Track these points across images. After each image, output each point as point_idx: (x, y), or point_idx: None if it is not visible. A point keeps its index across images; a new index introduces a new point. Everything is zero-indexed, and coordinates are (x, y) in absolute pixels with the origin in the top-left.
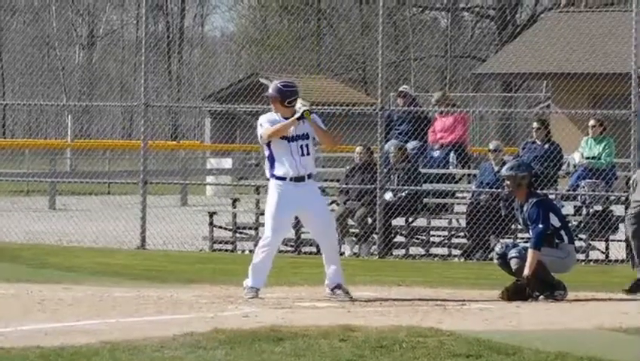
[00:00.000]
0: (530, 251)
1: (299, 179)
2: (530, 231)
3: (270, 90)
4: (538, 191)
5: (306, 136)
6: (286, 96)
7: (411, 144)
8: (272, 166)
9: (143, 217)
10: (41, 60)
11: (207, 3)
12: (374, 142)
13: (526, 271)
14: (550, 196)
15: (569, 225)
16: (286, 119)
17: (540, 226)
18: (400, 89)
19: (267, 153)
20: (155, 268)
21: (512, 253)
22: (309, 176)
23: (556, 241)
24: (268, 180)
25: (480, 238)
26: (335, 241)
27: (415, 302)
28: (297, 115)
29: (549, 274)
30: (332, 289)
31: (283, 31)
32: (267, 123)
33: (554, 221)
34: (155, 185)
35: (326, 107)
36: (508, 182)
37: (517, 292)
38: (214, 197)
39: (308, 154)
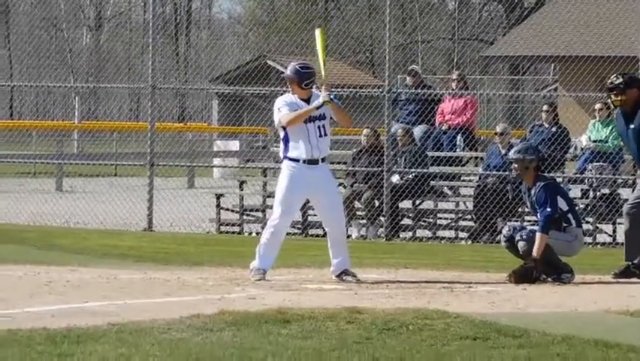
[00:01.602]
0: (538, 234)
1: (312, 162)
2: (538, 214)
3: (288, 72)
4: (546, 174)
5: (323, 117)
6: (304, 78)
7: (418, 129)
8: (286, 147)
9: (150, 199)
10: (49, 42)
11: None
12: (381, 124)
13: (534, 254)
14: (558, 179)
15: (576, 208)
16: (303, 100)
17: (548, 209)
18: (410, 68)
19: (282, 134)
20: (162, 250)
21: (520, 235)
22: (323, 160)
23: (564, 224)
24: (280, 161)
25: (487, 220)
26: (343, 226)
27: (421, 285)
28: (318, 103)
29: (556, 257)
30: (338, 275)
31: (291, 14)
32: (285, 107)
33: (562, 205)
34: (162, 167)
35: (333, 90)
36: (516, 165)
37: (524, 275)
38: (221, 179)
39: (325, 135)
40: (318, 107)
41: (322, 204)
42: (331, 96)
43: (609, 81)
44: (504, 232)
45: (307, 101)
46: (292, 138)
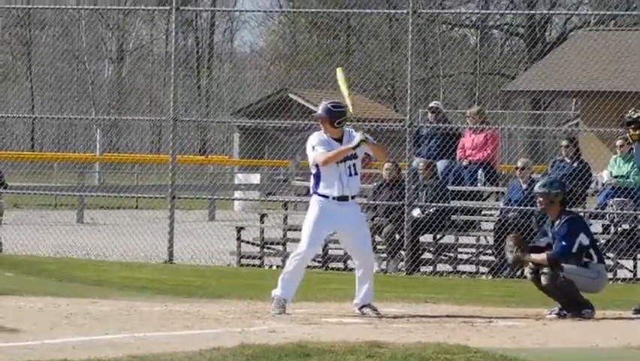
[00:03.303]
0: (544, 255)
1: (342, 198)
2: (554, 245)
3: (320, 111)
4: (572, 210)
5: (354, 156)
6: (335, 117)
7: (440, 163)
8: (317, 184)
9: (171, 232)
10: (71, 74)
11: (237, 19)
12: (402, 159)
13: (527, 258)
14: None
15: (597, 244)
16: (334, 139)
17: (563, 243)
18: (432, 104)
19: (313, 170)
20: (183, 283)
21: (545, 269)
22: (353, 197)
23: (585, 259)
24: (309, 195)
25: None
26: (372, 260)
27: (442, 319)
28: (354, 144)
29: (578, 293)
30: (360, 308)
31: (313, 47)
32: (320, 147)
33: (584, 240)
34: (183, 200)
35: (355, 123)
36: (541, 199)
37: (512, 262)
38: (242, 212)
39: (356, 174)
40: (354, 148)
41: (352, 238)
42: (366, 135)
43: (627, 115)
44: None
45: (339, 139)
46: (324, 176)
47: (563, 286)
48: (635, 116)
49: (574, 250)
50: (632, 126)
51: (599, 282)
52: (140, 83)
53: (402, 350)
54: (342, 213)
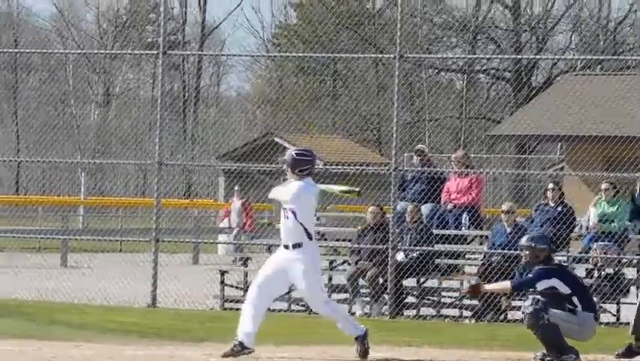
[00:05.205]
0: (507, 283)
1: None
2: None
3: (286, 155)
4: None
5: None
6: (297, 165)
7: (425, 207)
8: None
9: (155, 275)
10: (56, 117)
11: (224, 63)
12: (387, 202)
13: (485, 286)
14: (562, 258)
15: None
16: None
17: (530, 275)
18: (417, 147)
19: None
20: (166, 327)
21: (529, 309)
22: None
23: (569, 306)
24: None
25: (491, 299)
26: (320, 304)
27: None
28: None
29: (561, 338)
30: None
31: (299, 91)
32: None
33: (562, 287)
34: (167, 243)
35: (340, 167)
36: (527, 252)
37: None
38: (226, 255)
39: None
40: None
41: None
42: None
43: None
44: (528, 308)
45: None
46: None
47: (545, 326)
48: None
49: (538, 286)
50: None
51: (584, 329)
52: (125, 127)
53: None
54: (286, 262)
